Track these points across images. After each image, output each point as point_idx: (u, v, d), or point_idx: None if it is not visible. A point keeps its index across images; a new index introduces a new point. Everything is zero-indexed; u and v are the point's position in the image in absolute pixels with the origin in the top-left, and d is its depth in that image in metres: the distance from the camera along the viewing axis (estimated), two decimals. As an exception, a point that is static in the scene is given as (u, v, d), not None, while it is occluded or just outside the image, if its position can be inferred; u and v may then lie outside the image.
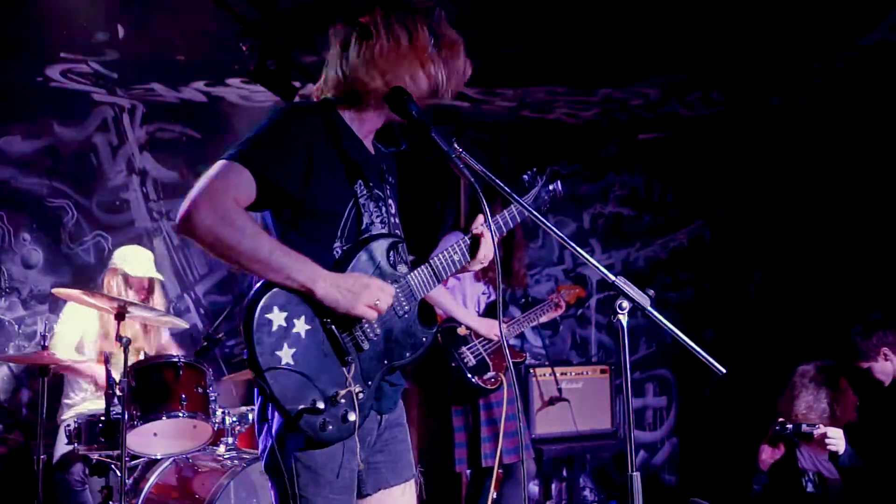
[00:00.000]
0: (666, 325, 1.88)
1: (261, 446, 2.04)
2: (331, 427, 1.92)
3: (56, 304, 5.07)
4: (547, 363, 5.46)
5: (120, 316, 3.87)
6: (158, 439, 3.94)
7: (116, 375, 3.84)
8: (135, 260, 4.55)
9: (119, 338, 3.77)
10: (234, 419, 4.06)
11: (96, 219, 5.30)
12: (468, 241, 2.25)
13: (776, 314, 6.08)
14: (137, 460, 3.96)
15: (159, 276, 4.65)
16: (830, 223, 5.80)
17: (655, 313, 1.88)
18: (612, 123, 6.31)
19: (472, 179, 2.02)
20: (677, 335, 1.89)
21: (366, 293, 1.95)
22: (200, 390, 3.93)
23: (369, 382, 2.02)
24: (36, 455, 3.97)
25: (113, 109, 5.38)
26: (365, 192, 2.08)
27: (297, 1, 4.12)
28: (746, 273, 6.43)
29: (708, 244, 6.65)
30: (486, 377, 4.18)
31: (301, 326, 1.93)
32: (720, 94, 5.67)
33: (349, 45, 2.09)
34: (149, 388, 3.82)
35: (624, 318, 1.87)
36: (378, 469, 2.12)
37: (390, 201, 2.18)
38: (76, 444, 3.88)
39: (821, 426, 3.68)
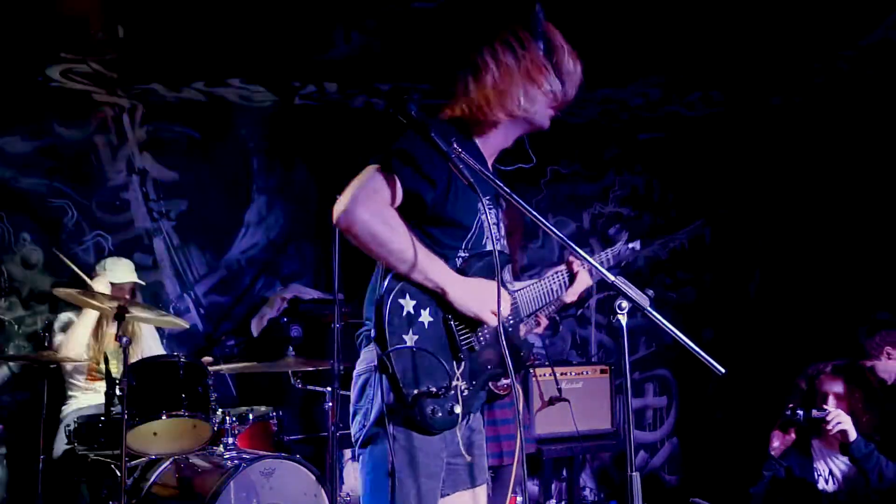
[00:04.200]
0: (665, 326, 1.88)
1: (356, 426, 2.14)
2: (439, 415, 2.04)
3: (56, 304, 5.07)
4: (547, 363, 5.46)
5: (120, 316, 3.87)
6: (158, 439, 3.94)
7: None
8: (114, 267, 4.68)
9: (119, 338, 3.77)
10: (234, 419, 4.06)
11: (96, 219, 5.29)
12: (567, 275, 2.45)
13: (776, 314, 6.08)
14: (137, 460, 3.96)
15: (140, 282, 4.79)
16: (831, 223, 5.80)
17: (655, 313, 1.88)
18: (612, 123, 6.31)
19: (472, 180, 2.03)
20: (677, 335, 1.89)
21: (491, 299, 2.09)
22: (200, 390, 3.93)
23: (474, 382, 2.16)
24: (36, 455, 3.98)
25: (113, 109, 5.38)
26: (485, 210, 2.21)
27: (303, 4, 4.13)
28: (746, 273, 6.43)
29: (708, 244, 6.65)
30: (499, 384, 4.12)
31: (426, 317, 2.08)
32: (720, 93, 5.67)
33: (468, 84, 2.24)
34: (149, 388, 3.82)
35: (624, 318, 1.87)
36: (458, 471, 2.23)
37: (500, 223, 2.32)
38: (76, 444, 3.88)
39: (831, 410, 3.69)
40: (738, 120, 6.10)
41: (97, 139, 5.33)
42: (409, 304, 2.05)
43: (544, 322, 4.46)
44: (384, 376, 2.03)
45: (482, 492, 2.31)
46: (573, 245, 2.07)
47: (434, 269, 2.07)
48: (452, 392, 2.07)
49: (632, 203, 6.61)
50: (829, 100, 5.62)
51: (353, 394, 2.17)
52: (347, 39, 4.59)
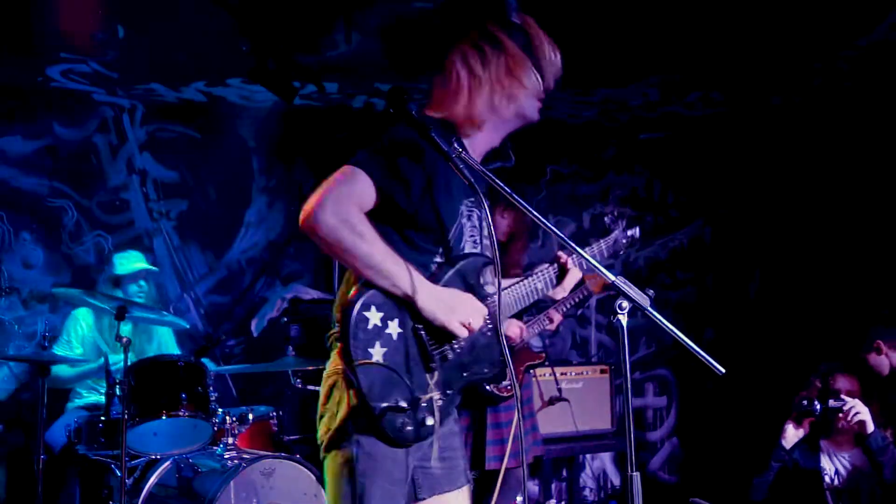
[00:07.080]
0: (665, 325, 1.88)
1: (322, 428, 2.10)
2: (409, 429, 2.00)
3: (56, 304, 5.07)
4: (547, 363, 5.45)
5: (120, 316, 3.87)
6: (158, 439, 3.94)
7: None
8: (121, 259, 4.60)
9: (119, 338, 3.77)
10: (234, 419, 4.06)
11: (96, 219, 5.30)
12: (555, 270, 2.37)
13: (776, 314, 6.07)
14: (137, 460, 3.96)
15: (152, 268, 4.68)
16: (831, 223, 5.80)
17: (655, 313, 1.88)
18: (612, 123, 6.31)
19: (472, 180, 2.02)
20: (677, 335, 1.89)
21: (461, 310, 2.05)
22: (200, 390, 3.93)
23: (448, 391, 2.10)
24: (36, 455, 3.98)
25: (113, 109, 5.38)
26: (467, 212, 2.17)
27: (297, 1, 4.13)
28: (746, 273, 6.43)
29: (708, 244, 6.65)
30: (501, 385, 4.13)
31: (394, 328, 2.02)
32: (720, 94, 5.67)
33: (451, 82, 2.19)
34: (149, 388, 3.82)
35: (624, 319, 1.86)
36: (434, 475, 2.18)
37: (484, 223, 2.24)
38: (76, 444, 3.88)
39: (849, 400, 3.68)
40: (738, 120, 6.10)
41: (97, 139, 5.33)
42: (375, 317, 1.99)
43: (557, 319, 4.44)
44: (351, 391, 1.99)
45: (464, 493, 2.25)
46: (573, 244, 2.07)
47: (401, 277, 1.99)
48: (425, 404, 2.02)
49: (632, 203, 6.61)
50: (829, 100, 5.62)
51: (321, 395, 2.12)
52: (347, 39, 4.59)
